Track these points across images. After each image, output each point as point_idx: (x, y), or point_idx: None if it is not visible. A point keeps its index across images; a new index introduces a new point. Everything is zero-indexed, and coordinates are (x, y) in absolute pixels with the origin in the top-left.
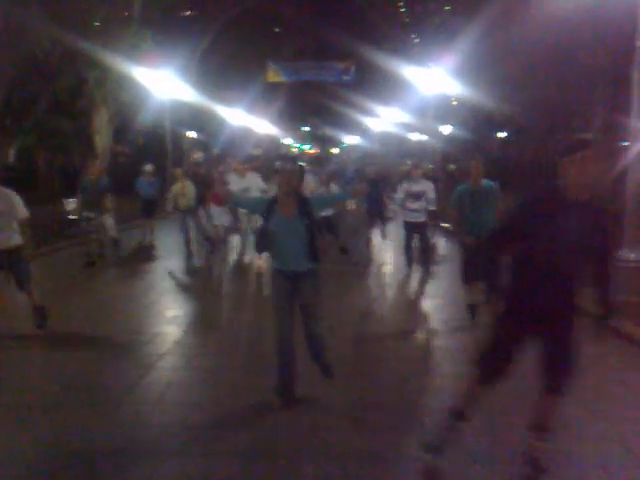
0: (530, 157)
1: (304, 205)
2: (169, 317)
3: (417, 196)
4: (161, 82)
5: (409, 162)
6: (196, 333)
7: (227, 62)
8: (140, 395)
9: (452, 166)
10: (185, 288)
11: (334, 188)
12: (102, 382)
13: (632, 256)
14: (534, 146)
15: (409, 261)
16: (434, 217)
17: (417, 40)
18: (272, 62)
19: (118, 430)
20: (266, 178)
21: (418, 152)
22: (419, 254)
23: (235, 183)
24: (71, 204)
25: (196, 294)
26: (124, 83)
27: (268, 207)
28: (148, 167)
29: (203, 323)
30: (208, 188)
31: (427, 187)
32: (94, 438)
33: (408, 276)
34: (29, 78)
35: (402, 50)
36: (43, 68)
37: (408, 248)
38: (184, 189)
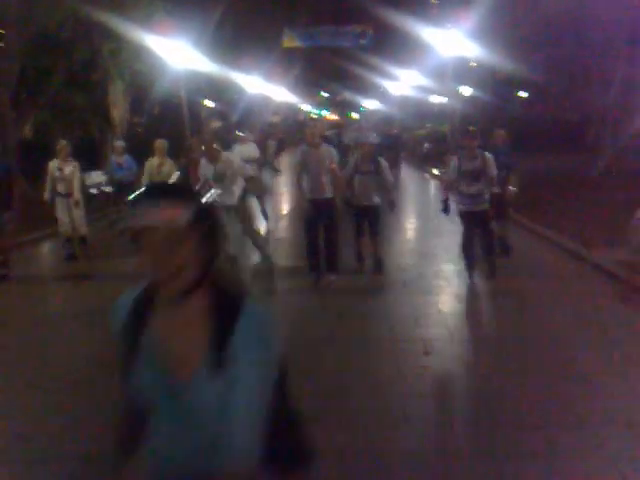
0: (551, 117)
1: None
2: None
3: (475, 176)
4: (176, 51)
5: (428, 125)
6: None
7: (242, 29)
8: None
9: (472, 127)
10: None
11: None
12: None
13: None
14: (554, 105)
15: (470, 266)
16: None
17: (434, 1)
18: (288, 28)
19: None
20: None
21: (438, 114)
22: (482, 254)
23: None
24: (93, 177)
25: None
26: (138, 54)
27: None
28: (119, 142)
29: None
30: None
31: (487, 162)
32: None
33: (473, 292)
34: (43, 52)
35: (420, 12)
36: (56, 41)
37: (468, 247)
38: (161, 167)
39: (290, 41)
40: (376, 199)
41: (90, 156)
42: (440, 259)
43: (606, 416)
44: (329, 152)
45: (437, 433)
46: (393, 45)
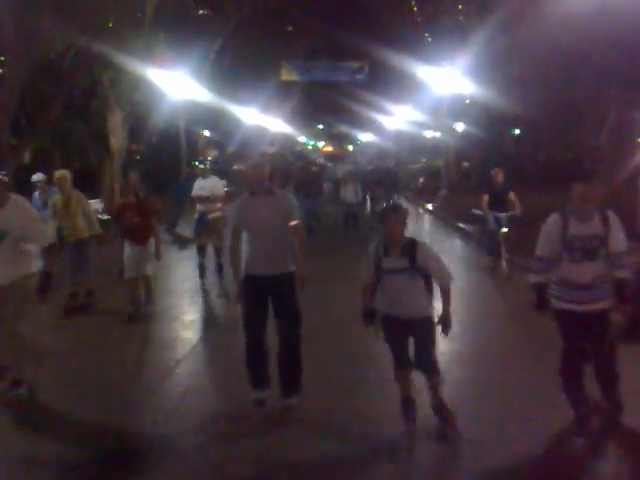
0: (544, 155)
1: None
2: (186, 322)
3: (590, 250)
4: (175, 82)
5: (423, 159)
6: (213, 337)
7: (241, 62)
8: (158, 402)
9: (466, 164)
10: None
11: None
12: (119, 388)
13: None
14: (547, 144)
15: (583, 418)
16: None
17: (429, 40)
18: (286, 61)
19: (134, 436)
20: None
21: (432, 149)
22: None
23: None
24: (92, 205)
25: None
26: (138, 84)
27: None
28: (36, 177)
29: (220, 327)
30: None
31: (611, 226)
32: (109, 444)
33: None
34: (43, 80)
35: (415, 49)
36: (57, 70)
37: (575, 377)
38: (69, 207)
39: (287, 74)
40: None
41: (88, 184)
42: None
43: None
44: (286, 201)
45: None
46: (388, 81)
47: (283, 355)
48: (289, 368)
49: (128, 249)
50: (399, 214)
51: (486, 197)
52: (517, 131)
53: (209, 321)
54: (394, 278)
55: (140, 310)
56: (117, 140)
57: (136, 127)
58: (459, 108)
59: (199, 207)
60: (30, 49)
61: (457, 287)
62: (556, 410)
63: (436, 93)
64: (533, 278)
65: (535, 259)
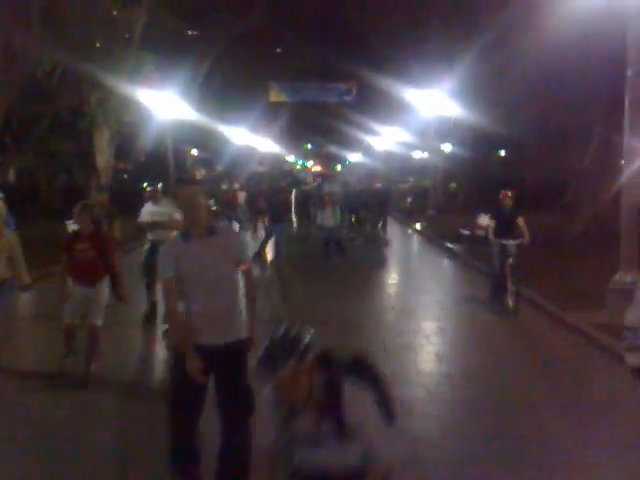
0: (530, 176)
1: None
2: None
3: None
4: (163, 102)
5: (411, 179)
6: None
7: (230, 82)
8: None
9: (453, 184)
10: None
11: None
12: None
13: (628, 279)
14: (533, 164)
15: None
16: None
17: (417, 63)
18: (274, 82)
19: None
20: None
21: (420, 170)
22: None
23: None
24: (73, 225)
25: None
26: (126, 103)
27: None
28: None
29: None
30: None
31: (520, 221)
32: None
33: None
34: (30, 98)
35: (403, 72)
36: (44, 88)
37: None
38: None
39: (276, 95)
40: None
41: (74, 202)
42: (420, 316)
43: None
44: (233, 241)
45: None
46: (376, 102)
47: (225, 456)
48: (231, 473)
49: (73, 290)
50: None
51: (492, 223)
52: (503, 152)
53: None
54: None
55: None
56: (103, 159)
57: (124, 146)
58: (446, 129)
59: (150, 235)
60: (18, 67)
61: (448, 311)
62: (544, 428)
63: (423, 115)
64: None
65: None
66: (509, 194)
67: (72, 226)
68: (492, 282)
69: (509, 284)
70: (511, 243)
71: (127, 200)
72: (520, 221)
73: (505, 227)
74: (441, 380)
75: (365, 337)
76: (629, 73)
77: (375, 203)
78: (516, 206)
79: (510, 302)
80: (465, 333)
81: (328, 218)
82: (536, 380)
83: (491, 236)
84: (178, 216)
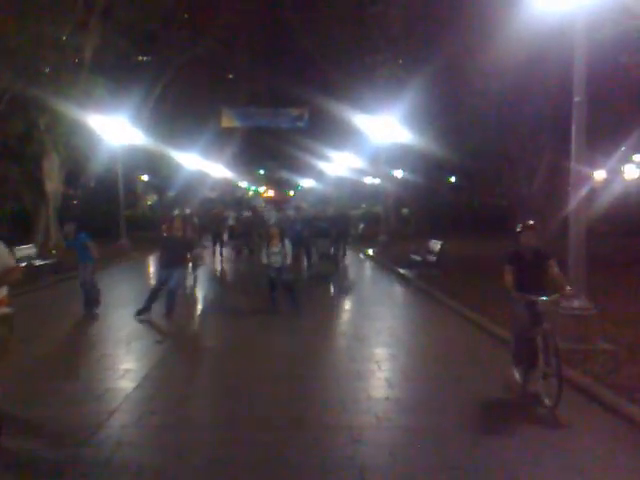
0: (479, 201)
1: None
2: (121, 371)
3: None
4: (114, 127)
5: (363, 205)
6: (148, 388)
7: (181, 107)
8: (88, 456)
9: (405, 210)
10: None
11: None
12: (46, 442)
13: (576, 304)
14: (482, 190)
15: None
16: None
17: (368, 89)
18: (226, 107)
19: None
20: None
21: (372, 195)
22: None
23: None
24: (23, 250)
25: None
26: (75, 129)
27: None
28: None
29: (156, 377)
30: None
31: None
32: None
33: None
34: None
35: (354, 98)
36: None
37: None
38: None
39: (228, 120)
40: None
41: (22, 228)
42: (372, 342)
43: None
44: None
45: None
46: (328, 128)
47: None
48: None
49: None
50: None
51: (509, 270)
52: (454, 178)
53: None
54: None
55: None
56: (52, 184)
57: (73, 171)
58: (397, 155)
59: None
60: None
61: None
62: (496, 458)
63: (375, 141)
64: None
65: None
66: (533, 227)
67: (23, 251)
68: (516, 359)
69: (540, 360)
70: (543, 300)
71: (77, 225)
72: (552, 266)
73: (531, 275)
74: (391, 407)
75: (316, 364)
76: (576, 99)
77: (335, 231)
78: (542, 245)
79: (544, 392)
80: (415, 359)
81: (275, 255)
82: (487, 405)
83: (512, 290)
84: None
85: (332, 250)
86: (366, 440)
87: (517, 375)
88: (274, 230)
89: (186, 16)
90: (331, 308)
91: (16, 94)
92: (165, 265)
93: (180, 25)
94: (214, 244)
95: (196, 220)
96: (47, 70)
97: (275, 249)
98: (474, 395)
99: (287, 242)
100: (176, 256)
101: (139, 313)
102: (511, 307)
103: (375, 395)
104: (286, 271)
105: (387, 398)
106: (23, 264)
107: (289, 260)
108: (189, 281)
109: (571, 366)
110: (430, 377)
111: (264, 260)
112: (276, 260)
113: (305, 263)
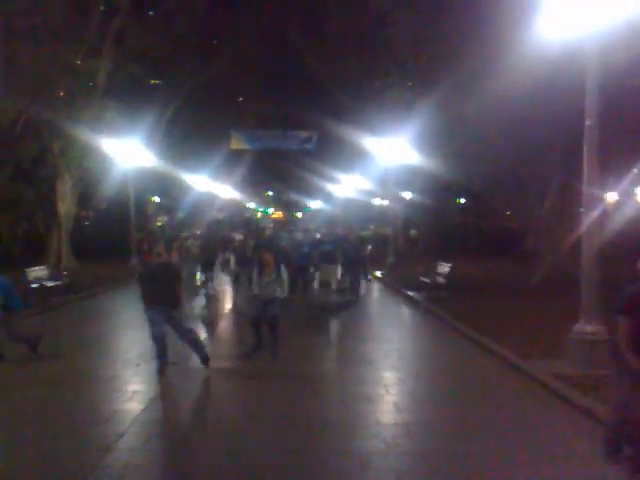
0: (488, 223)
1: None
2: (129, 392)
3: None
4: (125, 150)
5: (371, 227)
6: (157, 410)
7: (191, 130)
8: (96, 479)
9: (413, 231)
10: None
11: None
12: (55, 465)
13: (588, 329)
14: (492, 212)
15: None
16: None
17: (377, 112)
18: (235, 130)
19: None
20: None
21: (380, 217)
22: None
23: None
24: (36, 272)
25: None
26: (88, 151)
27: None
28: None
29: (164, 399)
30: None
31: None
32: None
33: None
34: None
35: (362, 120)
36: (6, 136)
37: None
38: None
39: (237, 143)
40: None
41: (35, 250)
42: (380, 365)
43: None
44: None
45: None
46: (337, 150)
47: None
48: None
49: None
50: None
51: (624, 321)
52: (463, 200)
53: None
54: None
55: None
56: (65, 206)
57: (86, 193)
58: (406, 177)
59: None
60: None
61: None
62: None
63: (383, 163)
64: None
65: None
66: None
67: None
68: (611, 432)
69: None
70: None
71: (89, 246)
72: None
73: None
74: (399, 432)
75: (324, 386)
76: (587, 123)
77: (345, 256)
78: None
79: None
80: (424, 383)
81: (268, 285)
82: (495, 431)
83: (625, 351)
84: None
85: (346, 280)
86: (374, 465)
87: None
88: (268, 256)
89: (196, 41)
90: (337, 330)
91: (31, 118)
92: (149, 303)
93: (191, 50)
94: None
95: (193, 243)
96: (61, 94)
97: (268, 278)
98: (484, 421)
99: (283, 269)
100: (160, 289)
101: (159, 372)
102: (619, 377)
103: (384, 420)
104: (276, 305)
105: (396, 423)
106: (35, 285)
107: (285, 292)
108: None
109: (583, 392)
110: (438, 402)
111: (255, 291)
112: (269, 291)
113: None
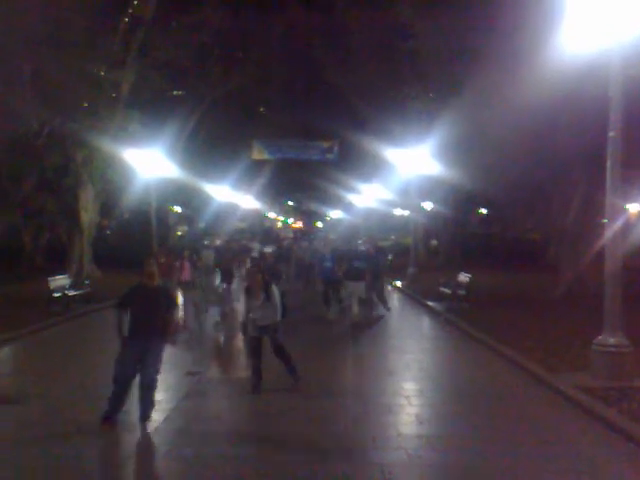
0: (511, 234)
1: None
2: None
3: None
4: (148, 160)
5: (392, 237)
6: (177, 420)
7: (213, 140)
8: None
9: (434, 242)
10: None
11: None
12: (78, 472)
13: (612, 341)
14: (514, 223)
15: None
16: None
17: (398, 123)
18: (257, 140)
19: None
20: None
21: (401, 227)
22: None
23: None
24: (58, 281)
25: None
26: (111, 162)
27: None
28: None
29: (186, 409)
30: None
31: None
32: None
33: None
34: (16, 157)
35: (384, 131)
36: (30, 147)
37: None
38: None
39: (258, 153)
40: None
41: (57, 258)
42: (401, 376)
43: None
44: None
45: None
46: (358, 160)
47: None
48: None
49: None
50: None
51: None
52: (484, 210)
53: None
54: None
55: None
56: (88, 216)
57: (108, 203)
58: (427, 188)
59: None
60: (5, 126)
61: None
62: None
63: (404, 173)
64: None
65: None
66: None
67: (58, 282)
68: None
69: None
70: None
71: (110, 256)
72: None
73: None
74: (422, 443)
75: (346, 397)
76: (611, 134)
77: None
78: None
79: None
80: (445, 394)
81: (258, 310)
82: (518, 445)
83: None
84: None
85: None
86: (397, 477)
87: None
88: (255, 274)
89: (219, 52)
90: (360, 340)
91: (54, 129)
92: (134, 335)
93: (213, 61)
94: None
95: (208, 254)
96: (85, 105)
97: (257, 302)
98: (507, 435)
99: (275, 290)
100: (148, 318)
101: (104, 420)
102: None
103: (405, 431)
104: (277, 331)
105: (418, 435)
106: (58, 294)
107: (279, 315)
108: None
109: (607, 404)
110: (460, 413)
111: (252, 315)
112: (260, 317)
113: (333, 307)
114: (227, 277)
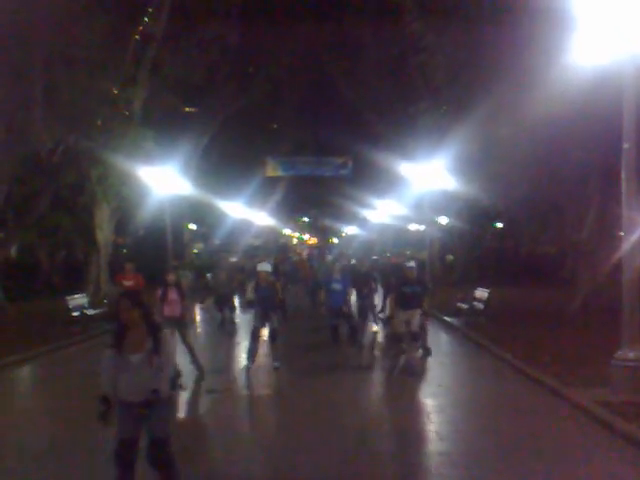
0: (526, 248)
1: None
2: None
3: None
4: (162, 178)
5: (408, 252)
6: (204, 439)
7: (227, 157)
8: None
9: (450, 256)
10: None
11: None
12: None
13: (631, 355)
14: (529, 237)
15: None
16: None
17: (411, 138)
18: (271, 157)
19: None
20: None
21: (417, 242)
22: None
23: None
24: (76, 300)
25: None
26: (125, 179)
27: None
28: None
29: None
30: None
31: None
32: None
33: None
34: (31, 175)
35: (397, 146)
36: (45, 165)
37: None
38: None
39: (272, 170)
40: None
41: (74, 277)
42: (420, 392)
43: None
44: None
45: None
46: (372, 176)
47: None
48: None
49: None
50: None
51: None
52: (500, 225)
53: None
54: None
55: None
56: (103, 234)
57: (123, 220)
58: (442, 202)
59: None
60: (20, 145)
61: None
62: None
63: (418, 188)
64: None
65: None
66: None
67: (76, 300)
68: None
69: None
70: None
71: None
72: None
73: None
74: (442, 461)
75: (365, 414)
76: (625, 146)
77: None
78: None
79: None
80: (465, 411)
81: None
82: (541, 461)
83: None
84: None
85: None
86: None
87: None
88: (129, 307)
89: (231, 69)
90: (376, 357)
91: (69, 146)
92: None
93: (226, 78)
94: (220, 310)
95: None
96: (99, 123)
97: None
98: (527, 451)
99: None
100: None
101: None
102: None
103: (425, 448)
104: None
105: (439, 452)
106: (76, 313)
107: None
108: None
109: (627, 420)
110: (479, 430)
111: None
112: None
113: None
114: (223, 302)
